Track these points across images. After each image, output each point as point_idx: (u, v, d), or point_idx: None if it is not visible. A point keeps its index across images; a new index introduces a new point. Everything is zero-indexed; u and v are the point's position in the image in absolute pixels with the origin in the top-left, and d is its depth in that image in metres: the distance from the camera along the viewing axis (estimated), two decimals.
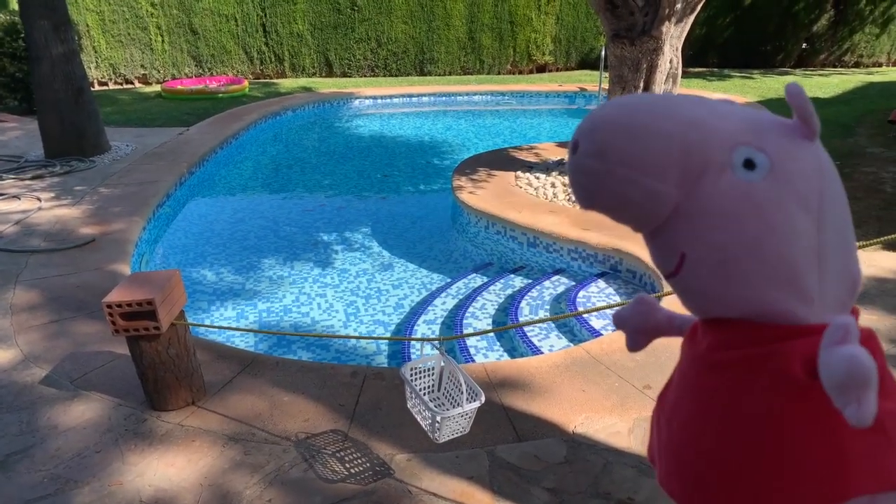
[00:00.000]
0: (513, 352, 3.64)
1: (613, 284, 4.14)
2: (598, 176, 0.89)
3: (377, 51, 13.15)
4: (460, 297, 4.33)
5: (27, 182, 5.74)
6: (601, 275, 4.25)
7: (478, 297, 4.22)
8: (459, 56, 13.55)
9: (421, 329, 3.98)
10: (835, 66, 14.77)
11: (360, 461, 2.26)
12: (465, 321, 3.94)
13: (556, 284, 4.29)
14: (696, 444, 1.04)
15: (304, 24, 12.69)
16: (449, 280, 4.64)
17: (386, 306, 4.40)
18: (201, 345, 2.99)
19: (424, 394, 2.10)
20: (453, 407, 1.96)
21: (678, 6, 4.96)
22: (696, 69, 14.15)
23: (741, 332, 0.95)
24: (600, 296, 4.03)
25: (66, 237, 4.41)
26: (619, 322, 1.26)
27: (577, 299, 3.94)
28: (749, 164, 0.87)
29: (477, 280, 4.58)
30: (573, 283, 4.26)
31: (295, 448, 2.32)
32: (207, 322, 4.07)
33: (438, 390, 2.13)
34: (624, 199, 0.90)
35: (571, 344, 3.56)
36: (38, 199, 5.22)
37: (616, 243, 4.18)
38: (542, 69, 14.33)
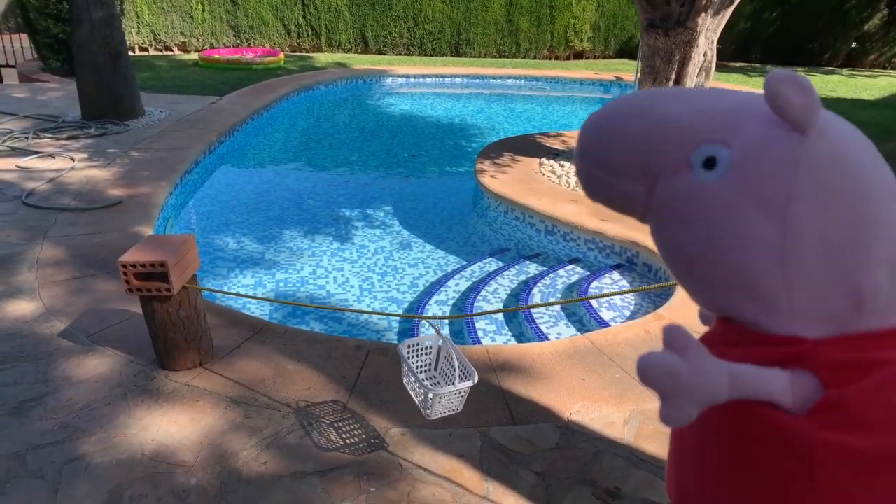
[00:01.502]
0: (521, 337, 3.65)
1: (628, 277, 4.12)
2: (582, 175, 0.97)
3: (413, 29, 13.10)
4: (474, 279, 4.35)
5: (63, 142, 5.90)
6: (616, 266, 4.23)
7: (491, 282, 4.24)
8: (496, 38, 13.43)
9: (432, 309, 4.01)
10: (884, 68, 14.28)
11: (355, 432, 2.31)
12: (476, 304, 3.96)
13: (571, 274, 4.29)
14: (678, 439, 1.04)
15: None
16: (465, 263, 4.66)
17: (401, 284, 4.44)
18: (214, 310, 3.07)
19: (420, 371, 2.14)
20: (448, 385, 1.99)
21: None
22: (738, 63, 13.81)
23: (724, 329, 0.93)
24: (613, 287, 4.01)
25: (95, 197, 4.54)
26: (702, 319, 1.18)
27: (590, 289, 3.93)
28: (710, 163, 0.84)
29: (492, 264, 4.59)
30: (588, 273, 4.25)
31: (294, 415, 2.38)
32: (225, 288, 4.16)
33: (435, 369, 2.17)
34: (604, 196, 0.96)
35: (579, 333, 3.57)
36: (72, 160, 5.36)
37: (633, 236, 4.15)
38: (579, 56, 14.13)
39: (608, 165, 0.92)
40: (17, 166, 5.17)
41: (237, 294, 2.96)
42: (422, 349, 2.13)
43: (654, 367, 0.77)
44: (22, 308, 3.06)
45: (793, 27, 13.80)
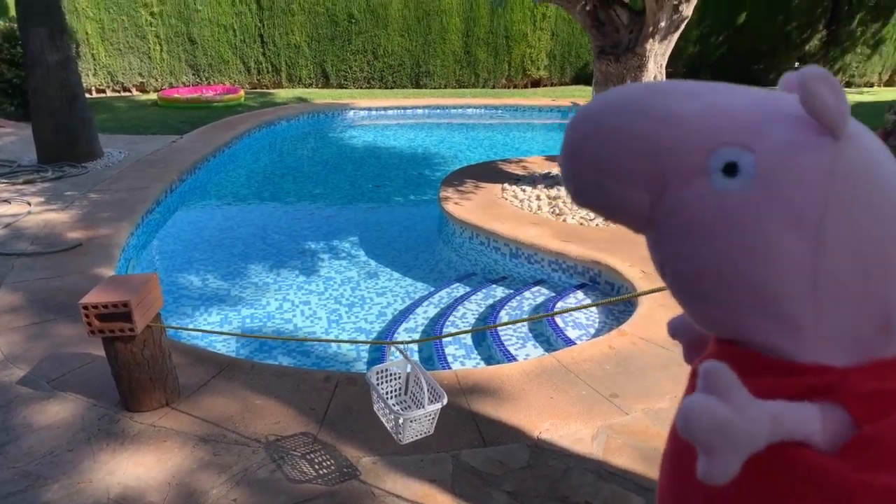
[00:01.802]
0: (490, 360, 3.68)
1: (591, 295, 4.20)
2: (571, 177, 0.85)
3: (373, 63, 13.28)
4: (442, 305, 4.38)
5: (18, 186, 5.81)
6: (580, 286, 4.31)
7: (459, 306, 4.28)
8: (455, 69, 13.69)
9: (401, 337, 4.02)
10: None
11: (326, 463, 2.31)
12: (444, 329, 3.98)
13: (537, 295, 4.35)
14: (667, 469, 0.97)
15: (301, 35, 12.83)
16: (432, 289, 4.70)
17: (369, 314, 4.45)
18: (179, 348, 3.04)
19: (391, 397, 2.15)
20: (418, 409, 2.00)
21: (662, 24, 5.06)
22: None
23: (729, 354, 0.82)
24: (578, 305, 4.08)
25: (54, 241, 4.46)
26: (672, 332, 1.11)
27: (555, 309, 3.99)
28: (730, 169, 0.74)
29: (460, 289, 4.63)
30: (553, 294, 4.32)
31: (264, 449, 2.37)
32: (191, 326, 4.12)
33: (405, 394, 2.18)
34: (596, 200, 0.85)
35: (547, 353, 3.62)
36: (28, 204, 5.27)
37: (595, 255, 4.24)
38: (536, 84, 14.47)
39: (606, 168, 0.80)
40: None
41: (202, 330, 2.94)
42: (391, 375, 2.14)
43: (701, 418, 0.68)
44: None
45: (738, 50, 14.39)
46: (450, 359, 3.69)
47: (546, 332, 3.86)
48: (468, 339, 3.92)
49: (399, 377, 2.16)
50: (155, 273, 2.61)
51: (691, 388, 0.91)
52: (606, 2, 5.20)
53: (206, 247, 5.72)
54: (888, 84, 15.28)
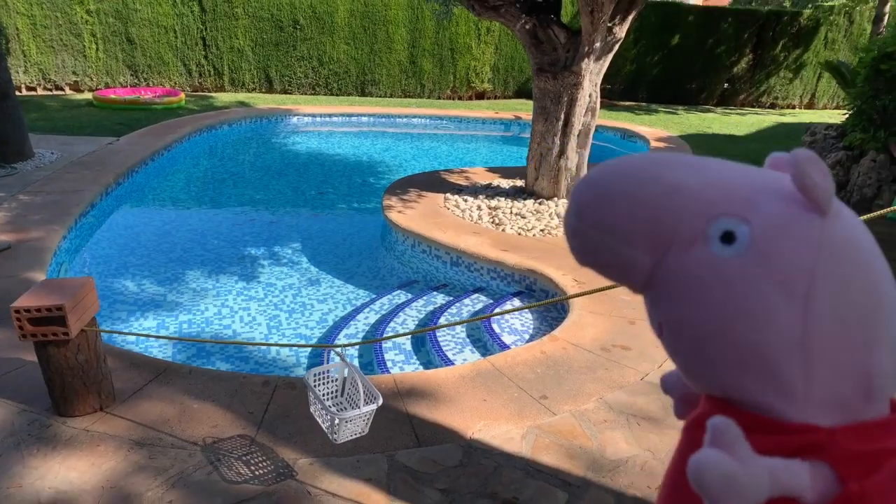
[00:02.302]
0: (428, 365, 3.78)
1: (527, 302, 4.36)
2: (575, 234, 0.90)
3: (318, 70, 13.26)
4: (383, 312, 4.46)
5: None
6: (517, 294, 4.47)
7: (399, 313, 4.36)
8: (401, 79, 13.81)
9: (340, 342, 4.08)
10: (753, 107, 15.81)
11: (264, 464, 2.35)
12: (385, 335, 4.06)
13: (475, 302, 4.48)
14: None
15: (245, 39, 12.69)
16: (374, 296, 4.77)
17: (309, 320, 4.48)
18: (114, 353, 3.01)
19: (327, 399, 2.22)
20: (354, 409, 2.08)
21: (597, 45, 5.31)
22: (627, 103, 14.87)
23: (720, 411, 0.85)
24: (515, 314, 4.24)
25: None
26: (665, 387, 1.14)
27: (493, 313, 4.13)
28: (728, 237, 0.80)
29: (401, 297, 4.72)
30: (491, 301, 4.46)
31: (201, 452, 2.39)
32: (127, 330, 4.05)
33: (342, 395, 2.26)
34: (600, 259, 0.90)
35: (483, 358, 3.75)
36: None
37: (531, 264, 4.41)
38: (480, 96, 14.75)
39: (612, 229, 0.86)
40: None
41: (140, 334, 2.91)
42: (328, 378, 2.21)
43: (710, 472, 0.73)
44: None
45: (672, 70, 15.07)
46: (389, 364, 3.77)
47: (483, 337, 3.99)
48: (408, 344, 4.01)
49: (336, 380, 2.24)
50: (90, 277, 2.59)
51: (686, 441, 0.96)
52: (545, 21, 5.41)
53: (143, 251, 5.62)
54: (808, 106, 16.31)
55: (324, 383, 2.22)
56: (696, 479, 0.74)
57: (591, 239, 0.88)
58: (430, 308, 4.47)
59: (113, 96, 10.51)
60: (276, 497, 2.18)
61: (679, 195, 0.83)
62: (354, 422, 2.07)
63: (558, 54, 5.46)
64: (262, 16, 12.56)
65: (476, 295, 4.58)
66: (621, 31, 5.40)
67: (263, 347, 4.07)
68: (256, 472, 2.30)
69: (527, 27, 5.43)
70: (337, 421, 2.01)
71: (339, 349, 2.19)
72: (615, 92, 15.10)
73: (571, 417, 2.72)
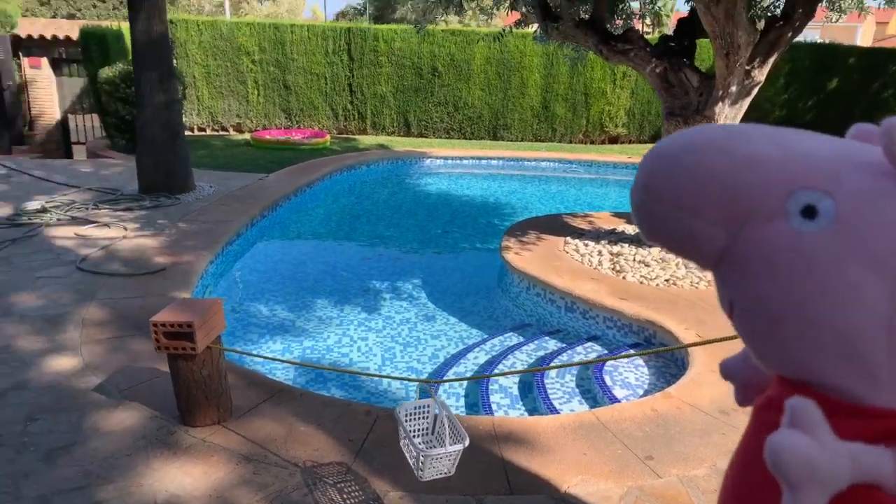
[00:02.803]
0: (534, 412, 3.69)
1: (645, 356, 4.15)
2: (643, 209, 0.88)
3: (454, 114, 13.75)
4: (493, 353, 4.44)
5: (119, 213, 6.37)
6: (634, 345, 4.26)
7: (509, 355, 4.32)
8: (532, 124, 13.95)
9: (430, 379, 4.10)
10: None
11: (356, 493, 2.40)
12: (492, 378, 4.04)
13: (589, 351, 4.34)
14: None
15: (387, 86, 13.49)
16: (486, 336, 4.77)
17: (422, 355, 4.56)
18: (236, 371, 3.25)
19: (417, 435, 2.24)
20: (440, 448, 2.08)
21: (733, 89, 5.06)
22: None
23: (797, 395, 0.82)
24: (630, 366, 4.05)
25: (142, 265, 4.87)
26: (726, 373, 1.11)
27: (605, 367, 3.97)
28: (809, 212, 0.77)
29: (513, 339, 4.68)
30: (605, 351, 4.29)
31: (301, 474, 2.49)
32: (254, 352, 4.36)
33: (432, 433, 2.27)
34: (668, 234, 0.87)
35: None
36: (125, 229, 5.78)
37: (651, 315, 4.21)
38: (614, 140, 14.49)
39: (683, 203, 0.83)
40: (76, 234, 5.60)
41: (255, 355, 3.14)
42: (418, 413, 2.24)
43: (789, 454, 0.71)
44: (64, 363, 3.30)
45: (829, 115, 13.93)
46: (494, 406, 3.73)
47: (593, 389, 3.84)
48: (514, 388, 3.95)
49: (427, 416, 2.25)
50: (220, 298, 2.84)
51: (756, 424, 0.93)
52: (677, 64, 5.26)
53: (279, 279, 6.06)
54: None
55: (415, 419, 2.24)
56: (775, 460, 0.71)
57: (659, 214, 0.85)
58: (541, 353, 4.38)
59: (268, 137, 11.56)
60: None
61: (757, 168, 0.79)
62: (441, 460, 2.07)
63: (690, 98, 5.26)
64: (404, 63, 13.31)
65: (590, 343, 4.43)
66: (761, 75, 5.12)
67: (375, 379, 4.20)
68: (348, 501, 2.36)
69: (657, 70, 5.30)
70: (422, 457, 2.02)
71: (430, 386, 2.21)
72: None
73: (679, 482, 2.52)
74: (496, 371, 4.08)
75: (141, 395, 3.02)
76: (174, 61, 9.40)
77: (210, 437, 2.70)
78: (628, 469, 2.60)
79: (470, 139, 13.88)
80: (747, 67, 5.06)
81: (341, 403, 3.04)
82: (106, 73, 10.00)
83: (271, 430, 2.77)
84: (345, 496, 2.38)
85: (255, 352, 4.29)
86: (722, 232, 0.82)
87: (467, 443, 2.04)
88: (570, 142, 14.26)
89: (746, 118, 5.56)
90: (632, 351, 4.18)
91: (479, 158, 11.89)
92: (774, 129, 0.85)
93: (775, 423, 0.79)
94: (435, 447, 2.20)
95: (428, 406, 2.25)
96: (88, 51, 10.98)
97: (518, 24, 6.68)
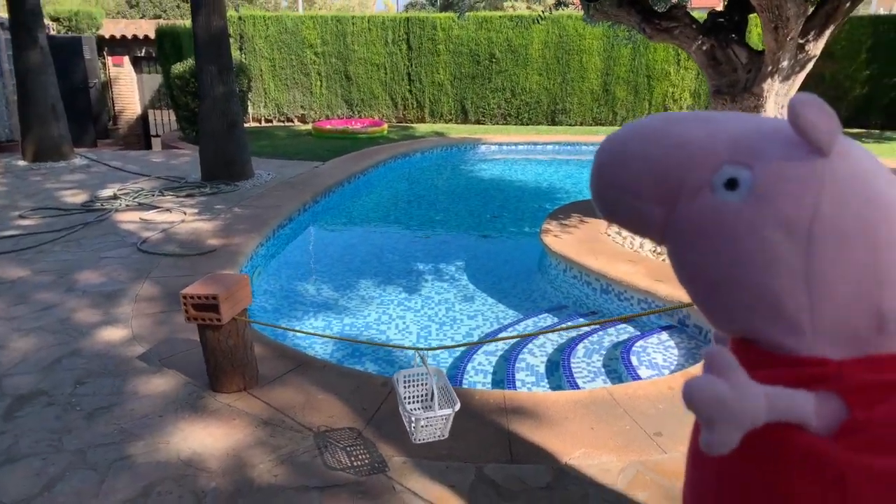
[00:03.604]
0: (558, 389, 3.71)
1: (676, 338, 4.07)
2: (597, 193, 0.98)
3: (511, 100, 13.68)
4: (525, 333, 4.47)
5: (181, 199, 6.77)
6: (667, 327, 4.19)
7: (540, 336, 4.34)
8: (592, 107, 13.68)
9: (479, 358, 4.18)
10: None
11: (363, 457, 2.52)
12: (520, 356, 4.08)
13: (621, 332, 4.30)
14: (696, 464, 1.06)
15: (445, 74, 13.56)
16: (521, 317, 4.80)
17: (456, 333, 4.65)
18: (266, 343, 3.44)
19: (416, 401, 2.33)
20: (430, 412, 2.16)
21: (784, 64, 4.83)
22: (854, 130, 13.08)
23: (743, 350, 0.91)
24: (659, 347, 3.99)
25: (195, 246, 5.18)
26: (716, 337, 1.19)
27: (633, 348, 3.93)
28: (731, 184, 0.84)
29: (547, 320, 4.69)
30: (637, 333, 4.24)
31: (313, 438, 2.64)
32: (297, 327, 4.57)
33: (431, 399, 2.35)
34: (620, 215, 0.97)
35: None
36: (184, 213, 6.15)
37: (685, 297, 4.11)
38: None
39: (626, 186, 0.93)
40: (140, 219, 6.00)
41: (278, 326, 3.31)
42: (419, 381, 2.33)
43: (700, 393, 0.78)
44: (115, 334, 3.59)
45: None
46: (518, 384, 3.77)
47: (619, 368, 3.81)
48: (541, 367, 3.98)
49: (427, 384, 2.34)
50: (246, 275, 3.02)
51: None
52: (724, 41, 5.07)
53: (328, 260, 6.29)
54: None
55: (415, 386, 2.33)
56: (687, 401, 0.78)
57: (609, 197, 0.96)
58: (573, 334, 4.38)
59: (328, 127, 11.89)
60: (363, 487, 2.33)
61: (686, 148, 0.87)
62: (433, 424, 2.15)
63: (738, 75, 5.06)
64: (462, 51, 13.34)
65: (623, 325, 4.38)
66: (816, 49, 4.86)
67: (407, 353, 4.31)
68: (354, 463, 2.48)
69: (703, 48, 5.13)
70: (413, 421, 2.11)
71: (422, 353, 2.29)
72: (841, 119, 13.22)
73: (682, 458, 2.49)
74: (524, 355, 4.11)
75: (178, 363, 3.25)
76: (242, 56, 9.81)
77: (235, 402, 2.89)
78: (634, 444, 2.60)
79: (528, 125, 13.78)
80: (800, 41, 4.82)
81: (360, 375, 3.17)
82: (177, 68, 10.56)
83: (291, 398, 2.93)
84: (352, 459, 2.51)
85: (287, 326, 4.50)
86: (661, 209, 0.90)
87: (457, 407, 2.11)
88: None
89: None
90: (666, 337, 4.11)
91: (535, 144, 11.80)
92: (707, 113, 0.93)
93: None
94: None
95: (424, 373, 2.33)
96: (163, 48, 11.62)
97: (557, 5, 6.59)
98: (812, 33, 4.81)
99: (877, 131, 13.06)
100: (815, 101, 0.79)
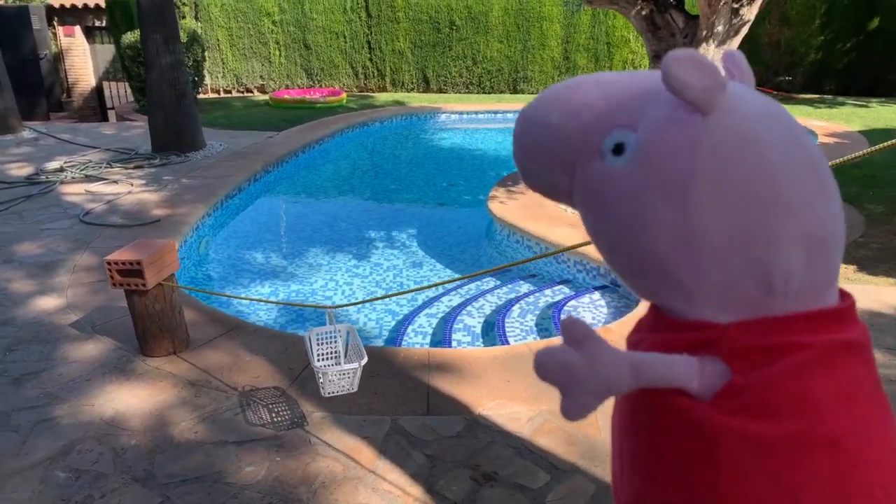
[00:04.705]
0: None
1: (607, 298, 4.22)
2: (517, 165, 0.98)
3: (472, 68, 13.63)
4: (467, 296, 4.58)
5: (129, 170, 6.70)
6: (601, 287, 4.33)
7: (480, 298, 4.46)
8: (553, 75, 13.71)
9: (420, 321, 4.28)
10: None
11: (283, 413, 2.61)
12: (458, 318, 4.19)
13: (557, 293, 4.43)
14: (612, 429, 1.06)
15: (405, 42, 13.44)
16: (465, 281, 4.90)
17: (402, 299, 4.73)
18: (200, 308, 3.49)
19: (330, 357, 2.41)
20: (336, 366, 2.25)
21: (719, 28, 4.93)
22: (808, 95, 13.33)
23: (649, 314, 0.93)
24: (590, 307, 4.13)
25: (139, 216, 5.16)
26: None
27: (565, 308, 4.07)
28: (618, 149, 0.83)
29: (489, 283, 4.80)
30: (572, 293, 4.38)
31: (237, 397, 2.71)
32: (243, 294, 4.61)
33: (345, 356, 2.44)
34: (537, 184, 0.97)
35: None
36: (131, 185, 6.10)
37: None
38: None
39: (534, 155, 0.93)
40: (86, 190, 5.94)
41: (208, 292, 3.36)
42: (329, 338, 2.41)
43: (548, 361, 0.80)
44: (49, 303, 3.60)
45: (870, 58, 13.22)
46: (454, 344, 3.88)
47: (550, 328, 3.94)
48: (477, 327, 4.09)
49: (341, 338, 2.42)
50: (172, 241, 3.05)
51: (627, 346, 1.00)
52: (662, 6, 5.14)
53: (278, 230, 6.31)
54: None
55: (328, 343, 2.41)
56: (538, 370, 0.81)
57: (524, 167, 0.96)
58: (512, 296, 4.50)
59: (286, 97, 11.75)
60: (280, 441, 2.42)
61: (581, 114, 0.87)
62: (342, 377, 2.24)
63: (675, 40, 5.15)
64: (422, 18, 13.21)
65: (560, 287, 4.52)
66: (750, 13, 4.95)
67: (356, 317, 4.40)
68: (274, 419, 2.56)
69: (643, 13, 5.19)
70: (320, 375, 2.19)
71: (331, 310, 2.37)
72: (795, 84, 13.61)
73: None
74: (463, 316, 4.21)
75: (110, 330, 3.29)
76: (198, 25, 9.60)
77: (163, 365, 2.95)
78: (546, 395, 2.72)
79: (489, 93, 13.77)
80: (734, 6, 4.91)
81: (290, 337, 3.24)
82: (128, 38, 10.31)
83: (219, 360, 3.00)
84: (273, 415, 2.59)
85: (251, 296, 4.54)
86: (565, 177, 0.90)
87: (364, 361, 2.20)
88: None
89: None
90: (598, 296, 4.25)
91: (495, 112, 11.82)
92: (611, 75, 0.91)
93: (634, 343, 0.92)
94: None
95: (341, 331, 2.41)
96: (114, 18, 11.29)
97: None
98: None
99: (829, 97, 13.32)
100: (690, 56, 0.76)
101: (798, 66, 13.41)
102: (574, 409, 0.81)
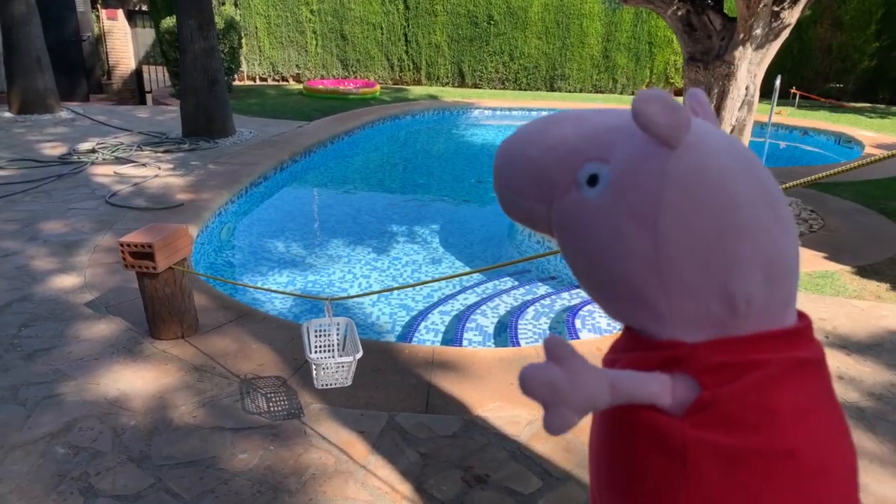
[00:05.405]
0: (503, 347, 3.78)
1: None
2: (497, 194, 1.04)
3: (509, 64, 13.52)
4: (484, 295, 4.53)
5: (158, 154, 6.81)
6: None
7: (496, 298, 4.40)
8: (592, 74, 13.51)
9: (433, 318, 4.25)
10: None
11: (282, 403, 2.61)
12: (472, 316, 4.15)
13: (574, 297, 4.35)
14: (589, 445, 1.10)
15: (442, 35, 13.39)
16: (483, 279, 4.85)
17: (417, 294, 4.71)
18: (212, 294, 3.51)
19: (328, 349, 2.40)
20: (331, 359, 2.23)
21: (757, 31, 4.76)
22: (860, 104, 12.87)
23: (623, 334, 0.99)
24: (599, 314, 4.04)
25: (163, 200, 5.24)
26: None
27: (580, 312, 3.99)
28: (592, 180, 0.89)
29: (507, 283, 4.74)
30: (588, 298, 4.29)
31: (238, 384, 2.72)
32: (259, 283, 4.65)
33: (343, 349, 2.42)
34: (516, 213, 1.03)
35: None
36: (159, 168, 6.19)
37: None
38: (679, 93, 13.83)
39: (513, 187, 0.99)
40: (115, 172, 6.05)
41: (214, 277, 3.38)
42: (326, 330, 2.39)
43: (532, 378, 0.84)
44: (67, 281, 3.67)
45: None
46: (465, 343, 3.84)
47: (563, 332, 3.87)
48: (489, 326, 4.04)
49: (339, 331, 2.40)
50: (185, 226, 3.07)
51: (604, 365, 1.05)
52: (700, 6, 4.99)
53: (302, 219, 6.34)
54: None
55: (325, 335, 2.39)
56: (522, 386, 0.85)
57: (506, 198, 1.03)
58: (528, 297, 4.44)
59: (319, 87, 11.82)
60: (275, 431, 2.41)
61: (558, 149, 0.93)
62: (333, 370, 2.22)
63: (712, 42, 4.99)
64: (459, 12, 13.14)
65: (578, 290, 4.43)
66: (791, 16, 4.77)
67: (368, 311, 4.39)
68: (272, 409, 2.56)
69: (679, 13, 5.05)
70: (313, 366, 2.18)
71: (327, 302, 2.35)
72: (847, 92, 13.15)
73: (590, 417, 2.57)
74: (477, 315, 4.17)
75: (123, 310, 3.33)
76: (237, 12, 9.70)
77: (170, 349, 2.98)
78: None
79: (526, 90, 13.63)
80: (775, 8, 4.74)
81: (296, 327, 3.24)
82: (166, 23, 10.48)
83: (225, 347, 3.01)
84: (271, 405, 2.59)
85: (269, 286, 4.57)
86: (542, 207, 0.96)
87: (359, 355, 2.18)
88: (632, 93, 13.73)
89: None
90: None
91: (530, 110, 11.70)
92: (586, 112, 0.98)
93: (610, 362, 0.99)
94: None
95: (339, 324, 2.39)
96: (155, 2, 11.51)
97: None
98: (787, 1, 4.72)
99: (882, 106, 12.84)
100: (657, 96, 0.82)
101: (850, 72, 12.96)
102: (557, 423, 0.84)
